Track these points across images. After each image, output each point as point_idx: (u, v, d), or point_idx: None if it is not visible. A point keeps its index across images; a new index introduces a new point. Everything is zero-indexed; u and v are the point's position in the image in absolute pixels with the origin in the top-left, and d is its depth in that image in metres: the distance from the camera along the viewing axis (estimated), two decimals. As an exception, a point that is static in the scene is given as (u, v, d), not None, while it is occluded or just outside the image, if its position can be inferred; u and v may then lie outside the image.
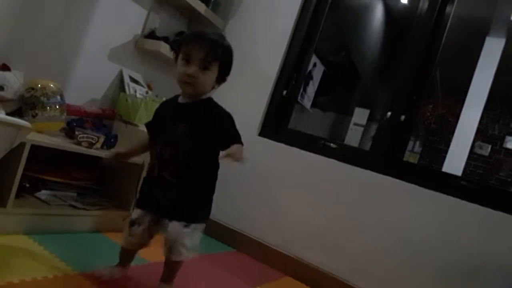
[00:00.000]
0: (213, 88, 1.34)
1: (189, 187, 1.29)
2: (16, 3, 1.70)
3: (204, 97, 1.32)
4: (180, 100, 1.36)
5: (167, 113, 1.39)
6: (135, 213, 1.37)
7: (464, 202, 1.76)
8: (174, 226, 1.28)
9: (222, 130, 1.27)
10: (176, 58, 1.31)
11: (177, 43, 1.36)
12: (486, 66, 3.91)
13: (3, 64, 1.66)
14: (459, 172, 3.77)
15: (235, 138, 1.22)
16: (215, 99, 1.36)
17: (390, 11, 4.04)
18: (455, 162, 3.92)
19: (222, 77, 1.34)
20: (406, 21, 3.35)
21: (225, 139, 1.22)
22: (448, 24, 2.08)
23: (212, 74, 1.29)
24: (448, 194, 1.80)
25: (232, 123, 1.30)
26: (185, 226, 1.28)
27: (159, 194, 1.31)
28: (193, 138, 1.27)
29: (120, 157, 1.51)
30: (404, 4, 3.96)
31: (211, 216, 2.36)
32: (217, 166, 1.36)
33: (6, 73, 1.65)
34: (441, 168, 3.95)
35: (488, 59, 3.90)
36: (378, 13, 3.98)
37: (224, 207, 2.34)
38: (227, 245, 2.24)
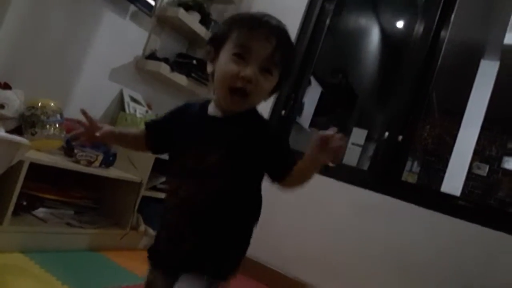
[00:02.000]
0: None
1: (213, 236, 0.87)
2: (18, 23, 1.74)
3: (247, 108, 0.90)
4: (212, 111, 0.91)
5: (189, 128, 0.92)
6: (148, 271, 0.94)
7: (463, 222, 1.75)
8: (185, 282, 0.85)
9: (276, 155, 0.88)
10: (217, 53, 0.88)
11: (222, 29, 0.90)
12: (482, 88, 3.97)
13: (4, 83, 1.68)
14: (457, 192, 3.77)
15: (291, 161, 0.85)
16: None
17: (386, 35, 4.12)
18: (453, 182, 3.92)
19: (279, 87, 0.93)
20: (402, 44, 3.43)
21: (280, 166, 0.87)
22: (443, 48, 2.13)
23: (273, 80, 0.89)
24: (447, 214, 1.80)
25: (286, 141, 0.93)
26: (200, 280, 0.84)
27: (169, 241, 0.90)
28: (232, 171, 0.86)
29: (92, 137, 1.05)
30: (399, 29, 4.05)
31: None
32: (258, 200, 0.97)
33: (7, 92, 1.67)
34: (439, 188, 3.95)
35: (484, 81, 3.97)
36: (374, 36, 4.07)
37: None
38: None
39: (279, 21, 0.90)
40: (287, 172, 0.85)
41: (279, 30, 0.88)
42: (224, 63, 0.85)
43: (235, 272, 0.91)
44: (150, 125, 1.01)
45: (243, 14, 0.92)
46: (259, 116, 0.93)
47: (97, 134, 1.01)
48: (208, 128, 0.90)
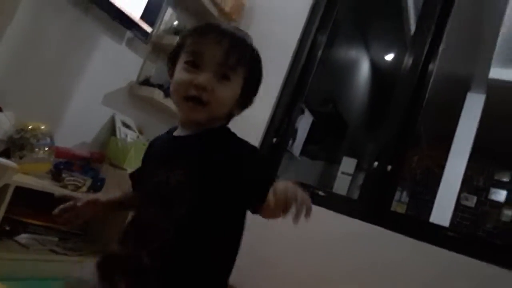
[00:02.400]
0: (231, 114, 0.87)
1: (182, 277, 0.75)
2: (12, 45, 1.74)
3: (216, 125, 0.84)
4: (177, 132, 0.87)
5: (156, 153, 0.89)
6: None
7: (451, 253, 1.75)
8: None
9: (250, 180, 0.77)
10: (173, 66, 0.84)
11: (176, 42, 0.86)
12: (469, 120, 4.06)
13: (-5, 105, 1.67)
14: (446, 223, 3.78)
15: (264, 189, 0.74)
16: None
17: (376, 67, 4.23)
18: (442, 212, 3.94)
19: (247, 97, 0.87)
20: (391, 76, 3.51)
21: (254, 192, 0.76)
22: (431, 80, 2.19)
23: (234, 88, 0.82)
24: (436, 245, 1.79)
25: (262, 165, 0.84)
26: None
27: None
28: (195, 193, 0.76)
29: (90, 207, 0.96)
30: (388, 61, 4.17)
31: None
32: (236, 235, 0.87)
33: (-2, 114, 1.66)
34: (428, 219, 3.96)
35: (470, 113, 4.07)
36: (364, 68, 4.17)
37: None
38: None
39: (234, 26, 0.86)
40: (260, 202, 0.73)
41: (231, 33, 0.81)
42: (177, 73, 0.81)
43: None
44: (133, 174, 0.97)
45: (198, 24, 0.87)
46: (231, 135, 0.83)
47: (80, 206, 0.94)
48: (172, 148, 0.84)
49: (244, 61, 0.82)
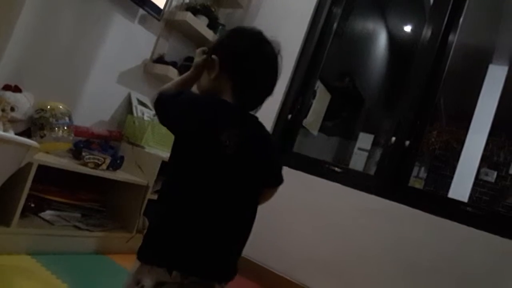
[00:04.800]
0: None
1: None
2: (29, 28, 1.76)
3: None
4: None
5: None
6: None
7: (470, 228, 1.73)
8: None
9: None
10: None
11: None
12: (490, 93, 3.94)
13: (15, 86, 1.70)
14: (465, 199, 3.74)
15: None
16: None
17: (393, 39, 4.11)
18: (461, 188, 3.89)
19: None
20: (409, 48, 3.42)
21: None
22: (451, 52, 2.12)
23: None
24: (454, 220, 1.78)
25: None
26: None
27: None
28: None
29: None
30: (407, 32, 4.04)
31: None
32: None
33: (18, 95, 1.69)
34: (447, 194, 3.92)
35: (492, 87, 3.94)
36: (381, 40, 4.06)
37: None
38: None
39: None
40: None
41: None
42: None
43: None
44: None
45: (254, 39, 0.99)
46: None
47: None
48: None
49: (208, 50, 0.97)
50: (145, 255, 0.82)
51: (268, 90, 0.98)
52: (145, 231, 0.91)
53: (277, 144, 1.01)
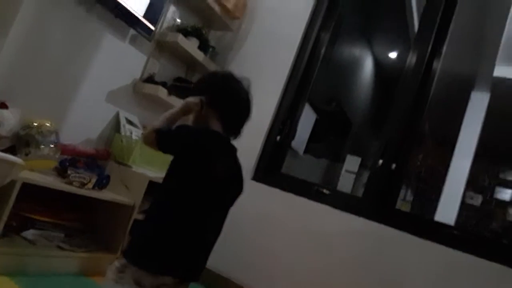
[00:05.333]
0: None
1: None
2: (18, 44, 1.76)
3: None
4: None
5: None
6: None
7: (457, 252, 1.74)
8: None
9: None
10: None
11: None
12: (473, 118, 4.04)
13: (1, 103, 1.69)
14: (451, 222, 3.76)
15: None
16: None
17: (379, 65, 4.23)
18: (447, 211, 3.92)
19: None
20: (395, 74, 3.50)
21: None
22: (436, 78, 2.18)
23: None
24: (441, 243, 1.79)
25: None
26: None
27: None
28: None
29: None
30: (392, 59, 4.16)
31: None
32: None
33: (3, 111, 1.67)
34: (433, 217, 3.95)
35: (475, 112, 4.05)
36: (368, 66, 4.16)
37: (214, 252, 2.29)
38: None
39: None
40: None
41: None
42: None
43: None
44: None
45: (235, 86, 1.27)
46: None
47: None
48: None
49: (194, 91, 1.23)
50: (150, 265, 1.00)
51: (247, 115, 1.24)
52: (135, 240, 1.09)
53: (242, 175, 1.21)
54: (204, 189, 1.06)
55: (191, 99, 1.18)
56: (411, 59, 2.22)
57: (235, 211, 2.45)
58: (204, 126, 1.16)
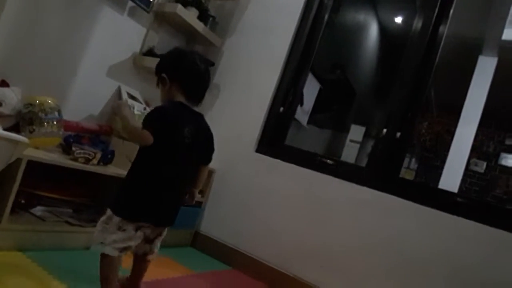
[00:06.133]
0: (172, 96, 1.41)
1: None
2: (15, 21, 1.72)
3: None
4: None
5: None
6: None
7: (460, 219, 1.76)
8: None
9: None
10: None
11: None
12: (480, 84, 3.97)
13: (2, 80, 1.67)
14: (455, 189, 3.78)
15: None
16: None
17: (384, 30, 4.12)
18: (451, 179, 3.93)
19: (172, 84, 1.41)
20: (400, 40, 3.42)
21: None
22: (442, 43, 2.13)
23: (163, 87, 1.42)
24: (445, 211, 1.80)
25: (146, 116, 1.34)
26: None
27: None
28: None
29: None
30: (398, 24, 4.04)
31: (206, 232, 2.36)
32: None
33: (5, 89, 1.66)
34: (437, 185, 3.97)
35: (482, 78, 3.97)
36: (373, 32, 4.06)
37: (220, 223, 2.34)
38: (223, 263, 2.22)
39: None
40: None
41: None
42: None
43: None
44: None
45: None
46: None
47: None
48: None
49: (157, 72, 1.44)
50: (131, 214, 1.29)
51: (205, 83, 1.44)
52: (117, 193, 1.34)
53: (212, 135, 1.48)
54: (172, 149, 1.31)
55: (113, 104, 1.44)
56: (417, 23, 2.16)
57: (239, 183, 2.47)
58: (169, 100, 1.38)
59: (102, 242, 1.26)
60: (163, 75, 1.39)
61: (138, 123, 1.27)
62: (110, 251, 1.25)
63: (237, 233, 2.26)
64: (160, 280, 1.67)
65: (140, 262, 1.41)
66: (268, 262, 2.12)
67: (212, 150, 1.50)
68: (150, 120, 1.28)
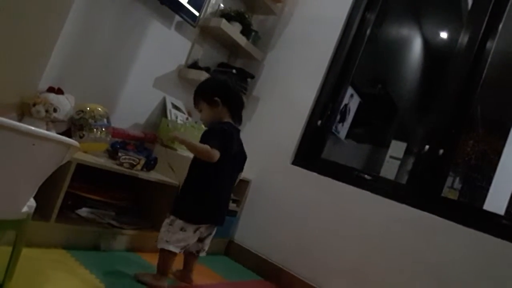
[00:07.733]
0: (219, 117, 1.69)
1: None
2: (72, 35, 1.85)
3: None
4: None
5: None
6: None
7: (506, 242, 1.67)
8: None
9: None
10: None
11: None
12: (530, 102, 3.76)
13: (58, 89, 1.80)
14: (501, 211, 3.58)
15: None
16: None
17: (428, 45, 4.02)
18: (497, 200, 3.73)
19: (215, 106, 1.67)
20: (445, 55, 3.33)
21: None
22: (489, 59, 2.05)
23: (205, 110, 1.69)
24: (489, 233, 1.71)
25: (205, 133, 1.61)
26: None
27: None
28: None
29: None
30: (443, 39, 3.93)
31: (240, 242, 2.37)
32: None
33: (60, 97, 1.78)
34: (482, 206, 3.77)
35: (533, 95, 3.76)
36: (416, 47, 3.97)
37: (253, 233, 2.35)
38: (255, 273, 2.22)
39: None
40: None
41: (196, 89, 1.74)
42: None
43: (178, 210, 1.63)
44: None
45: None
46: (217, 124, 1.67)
47: None
48: None
49: (197, 98, 1.72)
50: (192, 217, 1.57)
51: (243, 106, 1.77)
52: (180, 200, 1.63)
53: (243, 147, 1.77)
54: (226, 161, 1.56)
55: (178, 138, 1.62)
56: (463, 38, 2.10)
57: (273, 194, 2.47)
58: (220, 120, 1.65)
59: (167, 241, 1.52)
60: (216, 98, 1.64)
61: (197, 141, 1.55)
62: (174, 248, 1.52)
63: (269, 244, 2.27)
64: (194, 286, 1.71)
65: (193, 258, 1.70)
66: (300, 276, 2.10)
67: (245, 158, 1.78)
68: (218, 141, 1.53)
